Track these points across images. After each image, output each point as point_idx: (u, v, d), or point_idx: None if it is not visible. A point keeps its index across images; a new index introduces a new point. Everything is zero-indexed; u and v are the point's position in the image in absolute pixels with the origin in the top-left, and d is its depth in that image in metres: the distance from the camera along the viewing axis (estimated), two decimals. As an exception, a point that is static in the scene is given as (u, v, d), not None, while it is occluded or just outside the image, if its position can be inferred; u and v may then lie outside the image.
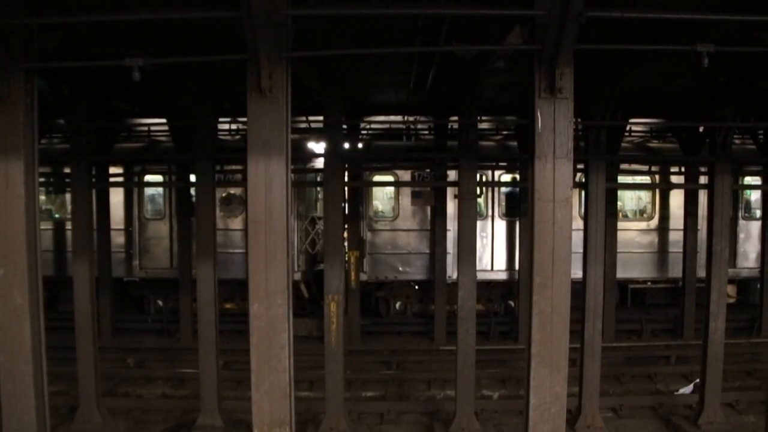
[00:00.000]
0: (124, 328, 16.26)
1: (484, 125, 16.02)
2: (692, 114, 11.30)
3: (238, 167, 14.75)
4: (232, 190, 16.11)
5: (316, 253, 16.41)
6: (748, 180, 16.69)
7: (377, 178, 16.16)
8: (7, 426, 6.40)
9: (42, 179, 14.23)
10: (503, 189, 16.67)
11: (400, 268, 16.34)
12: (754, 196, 17.00)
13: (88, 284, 10.15)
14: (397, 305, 16.92)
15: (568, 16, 5.37)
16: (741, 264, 16.75)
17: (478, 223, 13.78)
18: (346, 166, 12.50)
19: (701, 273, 15.65)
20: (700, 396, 10.62)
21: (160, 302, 17.08)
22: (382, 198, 16.98)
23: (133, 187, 16.49)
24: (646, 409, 11.78)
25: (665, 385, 13.02)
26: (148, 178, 16.35)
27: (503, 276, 16.58)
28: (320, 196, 16.40)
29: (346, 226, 13.88)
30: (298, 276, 15.86)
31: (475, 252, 10.19)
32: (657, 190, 16.62)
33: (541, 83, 5.98)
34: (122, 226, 16.35)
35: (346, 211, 14.75)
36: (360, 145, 15.87)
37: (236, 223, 16.12)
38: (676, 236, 16.41)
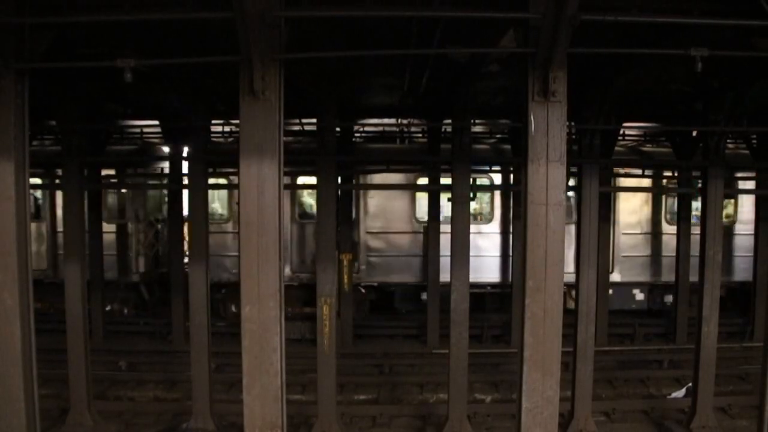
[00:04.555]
0: (116, 330, 16.16)
1: (477, 128, 16.03)
2: (686, 118, 11.32)
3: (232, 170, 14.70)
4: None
5: (157, 256, 16.76)
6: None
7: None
8: (-4, 429, 6.37)
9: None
10: None
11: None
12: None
13: (80, 286, 10.10)
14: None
15: (561, 20, 5.36)
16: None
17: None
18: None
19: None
20: (692, 400, 10.63)
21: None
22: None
23: (126, 189, 16.45)
24: (639, 413, 11.79)
25: (658, 389, 13.04)
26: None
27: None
28: (167, 199, 16.43)
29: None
30: (137, 278, 16.36)
31: (468, 256, 10.16)
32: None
33: (535, 86, 5.98)
34: None
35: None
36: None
37: None
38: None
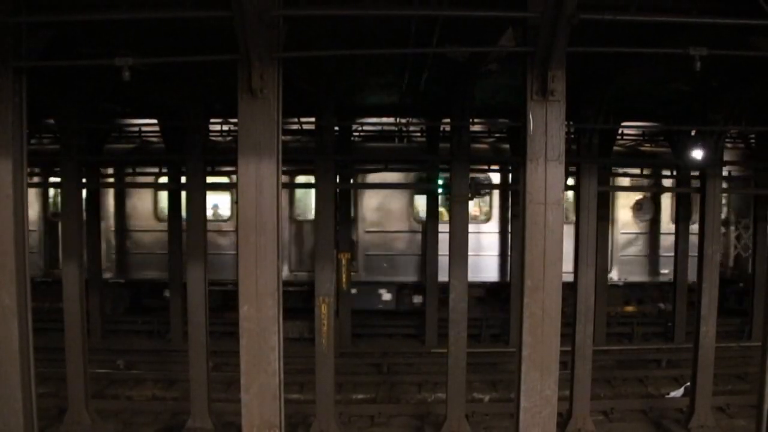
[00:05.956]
0: (115, 329, 16.15)
1: (476, 128, 16.01)
2: (685, 118, 11.31)
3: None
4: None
5: None
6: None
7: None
8: (-7, 428, 6.36)
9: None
10: None
11: None
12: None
13: (78, 285, 10.09)
14: None
15: (560, 18, 5.36)
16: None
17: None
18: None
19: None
20: (690, 399, 10.65)
21: None
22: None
23: (123, 188, 16.43)
24: (637, 412, 11.80)
25: (656, 388, 13.04)
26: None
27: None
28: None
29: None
30: None
31: (466, 255, 10.16)
32: None
33: (534, 85, 5.96)
34: None
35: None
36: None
37: None
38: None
